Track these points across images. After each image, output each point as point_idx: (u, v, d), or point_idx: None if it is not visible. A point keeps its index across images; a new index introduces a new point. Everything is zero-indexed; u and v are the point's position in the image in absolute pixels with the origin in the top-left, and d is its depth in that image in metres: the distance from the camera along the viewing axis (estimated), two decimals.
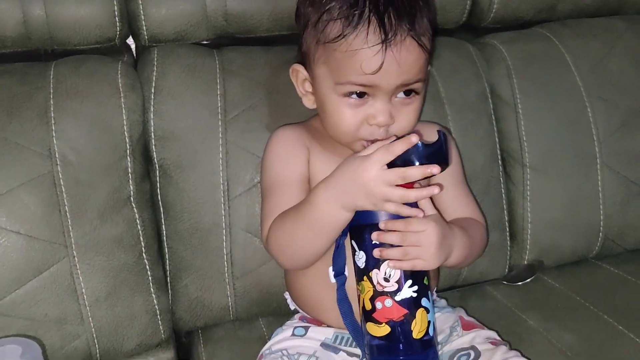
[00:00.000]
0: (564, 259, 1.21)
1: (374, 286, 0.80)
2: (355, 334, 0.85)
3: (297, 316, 0.98)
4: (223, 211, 1.04)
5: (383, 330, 0.80)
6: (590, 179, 1.19)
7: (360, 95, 0.86)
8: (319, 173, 0.91)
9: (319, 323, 0.94)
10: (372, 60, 0.82)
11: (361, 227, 0.82)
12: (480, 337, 0.89)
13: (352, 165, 0.79)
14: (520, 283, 1.18)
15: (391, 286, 0.80)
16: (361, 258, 0.81)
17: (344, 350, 0.90)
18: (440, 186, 0.79)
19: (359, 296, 0.83)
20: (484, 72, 1.20)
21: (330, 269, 0.87)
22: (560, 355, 0.98)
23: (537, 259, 1.20)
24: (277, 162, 0.94)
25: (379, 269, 0.80)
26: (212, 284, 1.05)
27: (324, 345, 0.91)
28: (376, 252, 0.80)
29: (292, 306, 1.00)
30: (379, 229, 0.80)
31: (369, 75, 0.83)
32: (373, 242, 0.80)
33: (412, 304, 0.80)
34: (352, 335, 0.86)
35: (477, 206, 1.01)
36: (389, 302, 0.80)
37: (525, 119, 1.18)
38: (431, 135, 0.80)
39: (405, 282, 0.80)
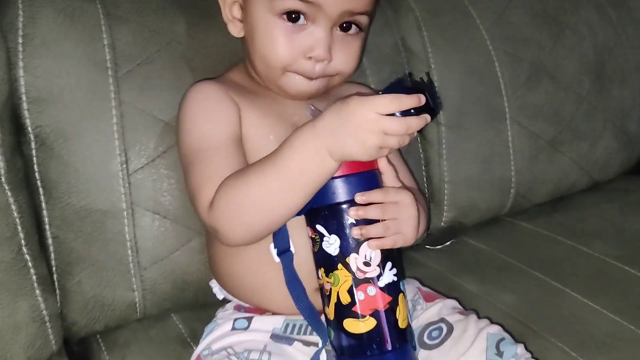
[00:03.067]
0: (480, 217, 1.19)
1: (353, 274, 0.69)
2: (311, 319, 0.73)
3: (229, 305, 0.83)
4: (122, 188, 0.88)
5: (367, 324, 0.69)
6: (502, 135, 1.17)
7: (298, 18, 0.74)
8: (254, 133, 0.78)
9: (262, 311, 0.80)
10: None
11: (331, 207, 0.69)
12: (446, 307, 0.82)
13: (348, 105, 0.65)
14: (440, 246, 1.13)
15: (373, 271, 0.69)
16: (333, 243, 0.69)
17: (298, 340, 0.77)
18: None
19: (328, 289, 0.70)
20: (394, 23, 1.12)
21: (272, 245, 0.74)
22: (506, 316, 0.93)
23: (457, 220, 1.16)
24: (204, 121, 0.77)
25: (357, 253, 0.68)
26: (114, 277, 0.89)
27: (275, 336, 0.77)
28: (356, 232, 0.68)
29: (221, 295, 0.85)
30: (352, 209, 0.69)
31: None
32: (349, 222, 0.69)
33: (394, 289, 0.70)
34: (308, 321, 0.73)
35: (412, 174, 0.93)
36: (371, 289, 0.69)
37: (437, 74, 1.12)
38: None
39: (385, 265, 0.69)
